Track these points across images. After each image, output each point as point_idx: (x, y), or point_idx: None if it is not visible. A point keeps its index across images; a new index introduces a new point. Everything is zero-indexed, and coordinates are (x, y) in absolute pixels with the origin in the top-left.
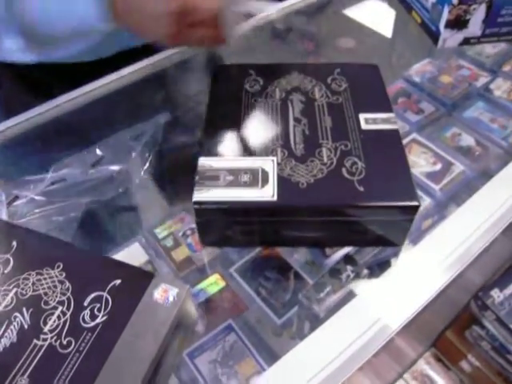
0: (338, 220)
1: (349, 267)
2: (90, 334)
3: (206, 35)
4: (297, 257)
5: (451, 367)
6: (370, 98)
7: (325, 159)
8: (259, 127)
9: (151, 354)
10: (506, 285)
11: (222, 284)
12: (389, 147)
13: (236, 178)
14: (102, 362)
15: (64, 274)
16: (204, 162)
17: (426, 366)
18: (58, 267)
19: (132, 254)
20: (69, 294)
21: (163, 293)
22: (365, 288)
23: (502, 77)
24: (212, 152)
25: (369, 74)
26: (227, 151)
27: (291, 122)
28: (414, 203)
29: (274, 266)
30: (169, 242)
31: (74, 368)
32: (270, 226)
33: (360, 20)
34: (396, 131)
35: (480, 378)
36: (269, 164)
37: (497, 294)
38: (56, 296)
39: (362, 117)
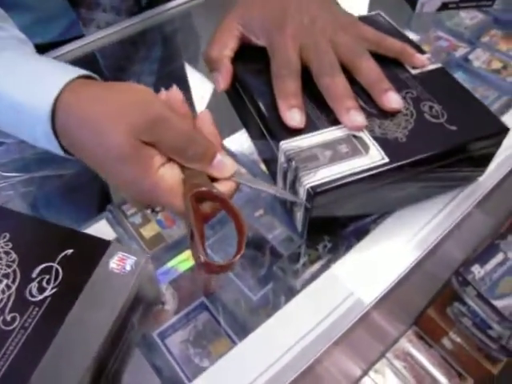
0: (440, 165)
1: (326, 237)
2: (37, 309)
3: None
4: (274, 231)
5: (433, 345)
6: None
7: (403, 110)
8: (320, 96)
9: (106, 328)
10: (487, 260)
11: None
12: (448, 84)
13: (334, 151)
14: (51, 338)
15: (10, 245)
16: (288, 144)
17: (408, 344)
18: (4, 237)
19: (98, 232)
20: (15, 266)
21: (120, 262)
22: (339, 261)
23: (480, 47)
24: (287, 133)
25: (380, 22)
26: (302, 129)
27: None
28: (505, 127)
29: (249, 240)
30: (137, 219)
31: (19, 346)
32: (381, 191)
33: None
34: (443, 68)
35: (461, 355)
36: None
37: (477, 270)
38: (0, 269)
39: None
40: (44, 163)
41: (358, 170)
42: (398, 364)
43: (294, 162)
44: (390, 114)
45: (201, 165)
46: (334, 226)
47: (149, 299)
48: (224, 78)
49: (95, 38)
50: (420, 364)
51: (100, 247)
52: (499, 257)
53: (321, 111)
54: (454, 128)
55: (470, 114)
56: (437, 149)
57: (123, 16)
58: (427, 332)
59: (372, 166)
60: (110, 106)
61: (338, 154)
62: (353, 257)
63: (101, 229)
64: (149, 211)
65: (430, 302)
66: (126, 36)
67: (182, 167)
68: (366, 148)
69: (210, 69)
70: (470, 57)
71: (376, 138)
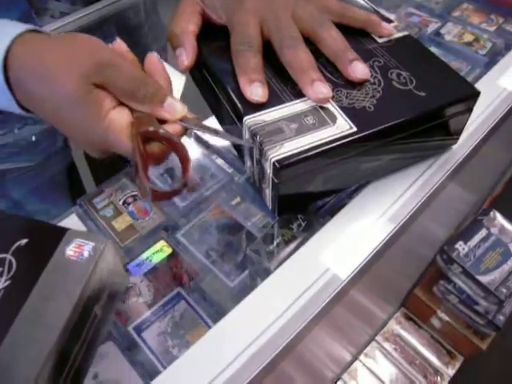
0: (411, 133)
1: (300, 216)
2: None
3: None
4: (252, 219)
5: (422, 325)
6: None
7: (370, 79)
8: (283, 69)
9: (64, 317)
10: (471, 237)
11: (168, 251)
12: (415, 51)
13: (300, 123)
14: (4, 332)
15: None
16: (251, 120)
17: (397, 326)
18: None
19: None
20: None
21: (77, 248)
22: (314, 237)
23: (452, 22)
24: (251, 108)
25: None
26: (267, 103)
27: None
28: (476, 91)
29: (223, 227)
30: (109, 212)
31: None
32: (352, 162)
33: None
34: (410, 36)
35: (450, 333)
36: None
37: (462, 247)
38: None
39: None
40: (7, 155)
41: (325, 140)
42: (389, 346)
43: (258, 137)
44: (357, 84)
45: (151, 107)
46: (307, 203)
47: (114, 287)
48: (188, 54)
49: (49, 29)
50: (410, 345)
51: (56, 235)
52: (482, 232)
53: (285, 84)
54: (422, 94)
55: (439, 79)
56: (406, 115)
57: (78, 5)
58: (415, 313)
59: (340, 135)
60: (60, 54)
61: (305, 126)
62: (327, 233)
63: (71, 224)
64: (120, 203)
65: (416, 282)
66: (82, 26)
67: (132, 110)
68: (333, 118)
69: (173, 46)
70: (442, 31)
71: (343, 108)
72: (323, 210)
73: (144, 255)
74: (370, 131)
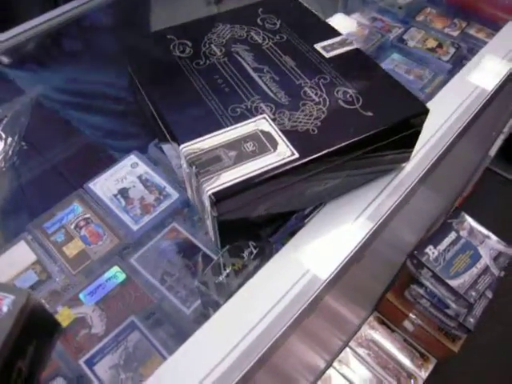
0: (358, 155)
1: (251, 242)
2: None
3: None
4: (205, 237)
5: (394, 328)
6: (310, 27)
7: (315, 98)
8: (224, 90)
9: None
10: (440, 240)
11: (122, 277)
12: (363, 66)
13: (239, 151)
14: None
15: None
16: (188, 148)
17: (371, 330)
18: None
19: (17, 255)
20: None
21: None
22: (289, 243)
23: (415, 27)
24: (190, 134)
25: (291, 5)
26: (205, 129)
27: (253, 74)
28: (425, 109)
29: (179, 249)
30: (60, 237)
31: None
32: (295, 188)
33: None
34: (358, 50)
35: (423, 336)
36: (263, 123)
37: (431, 251)
38: None
39: (319, 46)
40: None
41: (265, 169)
42: (362, 352)
43: (194, 167)
44: (301, 104)
45: None
46: (253, 231)
47: (43, 337)
48: None
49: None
50: (383, 349)
51: None
52: (452, 236)
53: (226, 108)
54: (369, 114)
55: (386, 97)
56: (350, 138)
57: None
58: (388, 316)
59: (280, 163)
60: None
61: (244, 153)
62: (297, 241)
63: (19, 251)
64: (72, 226)
65: (388, 287)
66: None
67: None
68: (275, 144)
69: None
70: (405, 37)
71: (286, 132)
72: (276, 236)
73: (96, 282)
74: (312, 157)
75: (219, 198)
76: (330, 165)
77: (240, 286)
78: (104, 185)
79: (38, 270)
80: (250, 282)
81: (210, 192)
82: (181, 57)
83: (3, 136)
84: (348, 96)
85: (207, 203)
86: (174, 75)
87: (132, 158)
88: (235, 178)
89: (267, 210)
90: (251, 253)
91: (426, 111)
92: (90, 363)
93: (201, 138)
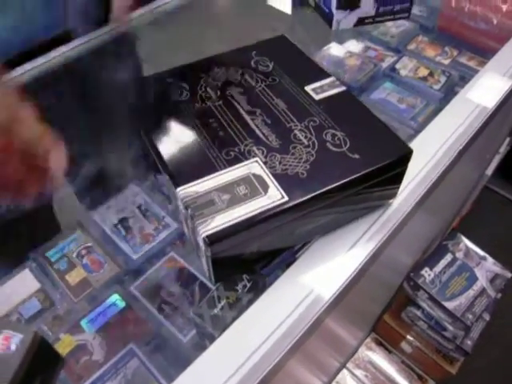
0: (345, 196)
1: (245, 276)
2: None
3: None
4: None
5: (392, 350)
6: (301, 69)
7: (305, 141)
8: (219, 134)
9: None
10: (436, 262)
11: (121, 304)
12: (351, 108)
13: (232, 194)
14: None
15: None
16: (184, 191)
17: (368, 352)
18: None
19: (21, 283)
20: None
21: (4, 341)
22: (289, 270)
23: (407, 55)
24: (185, 178)
25: (284, 47)
26: (201, 171)
27: (247, 117)
28: (409, 150)
29: (177, 278)
30: (63, 265)
31: None
32: (286, 228)
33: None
34: (347, 91)
35: (420, 357)
36: (255, 167)
37: (427, 273)
38: None
39: (309, 89)
40: None
41: (255, 212)
42: (359, 373)
43: (189, 210)
44: (291, 148)
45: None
46: (246, 268)
47: (47, 371)
48: None
49: None
50: (381, 371)
51: None
52: (448, 258)
53: (220, 151)
54: (356, 156)
55: (373, 139)
56: (337, 181)
57: None
58: (386, 338)
59: (270, 206)
60: None
61: (237, 196)
62: (292, 273)
63: (23, 279)
64: (74, 255)
65: (385, 309)
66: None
67: None
68: (266, 187)
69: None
70: (397, 66)
71: (276, 176)
72: (269, 268)
73: (97, 310)
74: (301, 200)
75: (213, 240)
76: (318, 206)
77: (234, 318)
78: (105, 214)
79: (42, 297)
80: (246, 313)
81: (204, 234)
82: (179, 100)
83: None
84: (336, 139)
85: (202, 244)
86: (173, 118)
87: (132, 188)
88: (228, 221)
89: (259, 248)
90: (245, 286)
91: (409, 152)
92: None
93: (196, 182)
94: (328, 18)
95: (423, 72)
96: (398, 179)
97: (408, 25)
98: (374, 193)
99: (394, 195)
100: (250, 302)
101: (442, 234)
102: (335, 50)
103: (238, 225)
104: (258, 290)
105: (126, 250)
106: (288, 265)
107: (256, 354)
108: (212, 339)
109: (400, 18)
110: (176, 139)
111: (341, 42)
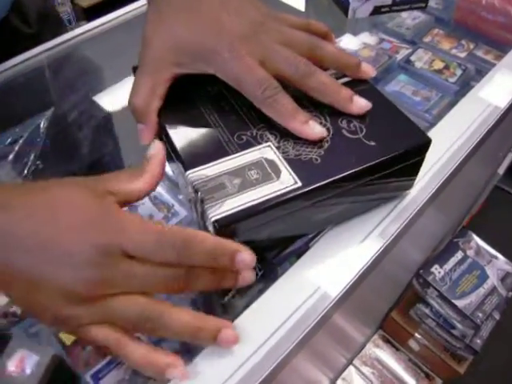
0: (360, 184)
1: (257, 264)
2: None
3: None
4: None
5: (400, 347)
6: None
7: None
8: (231, 117)
9: None
10: (446, 260)
11: None
12: (367, 95)
13: (243, 178)
14: None
15: None
16: (194, 174)
17: (375, 349)
18: None
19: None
20: None
21: (19, 363)
22: (300, 260)
23: (423, 48)
24: (196, 162)
25: None
26: (212, 155)
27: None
28: (427, 140)
29: None
30: None
31: None
32: (297, 215)
33: None
34: (364, 79)
35: (428, 356)
36: (268, 151)
37: (437, 270)
38: None
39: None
40: None
41: (268, 197)
42: (366, 370)
43: (199, 193)
44: None
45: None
46: (259, 253)
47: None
48: (149, 133)
49: None
50: (388, 368)
51: None
52: (458, 255)
53: (232, 134)
54: (372, 143)
55: (390, 127)
56: (352, 168)
57: None
58: (393, 335)
59: (283, 191)
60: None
61: (248, 181)
62: (305, 262)
63: None
64: None
65: (393, 305)
66: None
67: None
68: (278, 172)
69: (134, 117)
70: (412, 58)
71: (289, 161)
72: (280, 257)
73: None
74: (315, 186)
75: (222, 224)
76: (332, 193)
77: (245, 307)
78: None
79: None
80: (251, 306)
81: (213, 218)
82: (191, 84)
83: (20, 155)
84: (352, 125)
85: (211, 228)
86: (185, 102)
87: None
88: (239, 206)
89: (270, 235)
90: (256, 274)
91: (428, 141)
92: (96, 377)
93: (207, 165)
94: (344, 7)
95: (438, 65)
96: (415, 169)
97: (424, 17)
98: (391, 183)
99: (410, 186)
100: (261, 292)
101: (453, 232)
102: (349, 41)
103: (250, 209)
104: (269, 279)
105: None
106: (299, 255)
107: (261, 349)
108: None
109: (417, 8)
110: (187, 123)
111: (355, 33)
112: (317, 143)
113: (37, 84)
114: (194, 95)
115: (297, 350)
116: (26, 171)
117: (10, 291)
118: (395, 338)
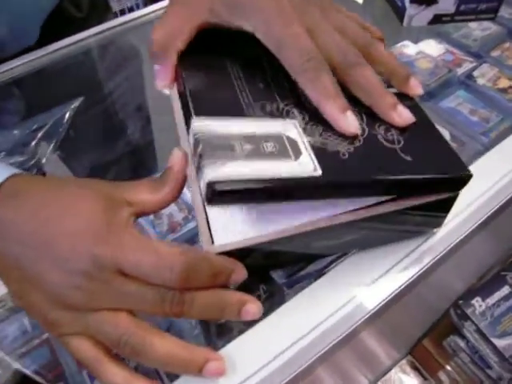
0: (386, 201)
1: (262, 286)
2: None
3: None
4: None
5: (428, 377)
6: None
7: None
8: (258, 85)
9: None
10: (490, 293)
11: None
12: (413, 114)
13: (257, 146)
14: None
15: None
16: (200, 123)
17: (401, 374)
18: None
19: None
20: None
21: None
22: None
23: (488, 63)
24: (207, 110)
25: None
26: (226, 110)
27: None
28: (468, 173)
29: None
30: None
31: None
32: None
33: None
34: (411, 98)
35: None
36: (292, 129)
37: (478, 303)
38: None
39: None
40: None
41: (279, 175)
42: None
43: (200, 146)
44: None
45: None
46: (266, 268)
47: None
48: (165, 75)
49: None
50: None
51: None
52: (504, 290)
53: (255, 100)
54: (408, 158)
55: (430, 149)
56: (384, 175)
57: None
58: (422, 363)
59: (299, 175)
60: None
61: (261, 151)
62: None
63: None
64: None
65: (426, 333)
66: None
67: None
68: (298, 153)
69: (151, 55)
70: (475, 73)
71: (313, 147)
72: (291, 280)
73: None
74: (337, 179)
75: (219, 189)
76: (352, 196)
77: (241, 331)
78: None
79: None
80: (269, 317)
81: (209, 178)
82: (224, 43)
83: (41, 143)
84: (389, 134)
85: (203, 194)
86: (211, 58)
87: None
88: (242, 173)
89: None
90: (259, 296)
91: (468, 176)
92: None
93: (217, 118)
94: (400, 13)
95: (504, 83)
96: (447, 205)
97: (495, 28)
98: (419, 213)
99: (439, 224)
100: (265, 315)
101: (501, 264)
102: (408, 48)
103: (255, 181)
104: (273, 303)
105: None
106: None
107: (278, 360)
108: (216, 349)
109: (484, 19)
110: (208, 76)
111: (414, 41)
112: (348, 138)
113: (75, 70)
114: (224, 54)
115: (318, 363)
116: (43, 160)
117: (8, 283)
118: (424, 367)
